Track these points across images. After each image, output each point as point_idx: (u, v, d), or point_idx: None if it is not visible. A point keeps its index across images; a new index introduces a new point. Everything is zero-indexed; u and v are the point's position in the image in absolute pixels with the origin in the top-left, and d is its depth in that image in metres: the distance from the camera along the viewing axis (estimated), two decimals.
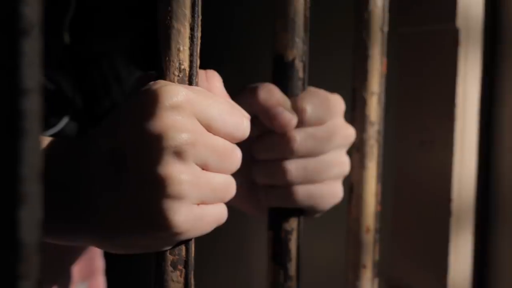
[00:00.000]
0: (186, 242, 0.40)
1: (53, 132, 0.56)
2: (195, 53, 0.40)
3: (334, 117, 0.50)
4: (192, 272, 0.41)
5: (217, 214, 0.41)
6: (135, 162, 0.37)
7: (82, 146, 0.40)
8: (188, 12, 0.39)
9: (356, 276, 0.55)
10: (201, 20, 0.40)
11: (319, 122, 0.49)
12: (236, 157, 0.41)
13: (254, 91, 0.49)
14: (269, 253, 0.52)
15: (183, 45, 0.39)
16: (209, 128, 0.39)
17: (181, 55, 0.39)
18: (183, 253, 0.40)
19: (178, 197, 0.37)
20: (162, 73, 0.39)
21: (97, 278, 0.71)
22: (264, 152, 0.50)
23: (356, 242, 0.54)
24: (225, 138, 0.40)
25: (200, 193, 0.38)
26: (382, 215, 0.56)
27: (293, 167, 0.49)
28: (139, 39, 0.65)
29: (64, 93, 0.58)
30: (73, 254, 0.63)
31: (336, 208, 0.54)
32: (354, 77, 0.54)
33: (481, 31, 0.65)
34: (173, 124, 0.37)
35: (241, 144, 0.42)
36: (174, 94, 0.37)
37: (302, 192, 0.50)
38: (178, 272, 0.40)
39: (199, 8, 0.39)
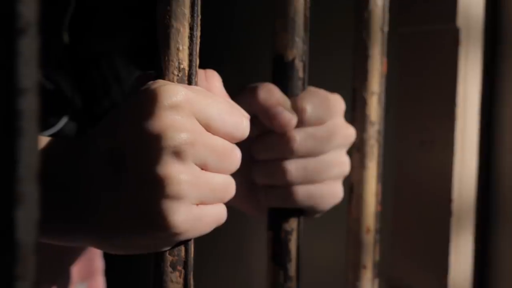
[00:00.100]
0: (186, 242, 0.40)
1: (52, 132, 0.56)
2: (194, 53, 0.39)
3: (334, 117, 0.50)
4: (192, 273, 0.41)
5: (217, 214, 0.40)
6: (134, 162, 0.37)
7: (81, 146, 0.40)
8: (187, 11, 0.39)
9: (356, 277, 0.55)
10: (201, 19, 0.40)
11: (319, 122, 0.49)
12: (235, 157, 0.41)
13: (254, 91, 0.49)
14: (269, 253, 0.52)
15: (183, 44, 0.39)
16: (208, 128, 0.39)
17: (181, 55, 0.39)
18: (183, 253, 0.40)
19: (177, 197, 0.37)
20: (161, 73, 0.39)
21: (97, 278, 0.71)
22: (264, 152, 0.50)
23: (356, 242, 0.54)
24: (224, 138, 0.40)
25: (199, 193, 0.38)
26: (382, 215, 0.56)
27: (293, 167, 0.49)
28: (139, 39, 0.65)
29: (63, 93, 0.57)
30: (72, 255, 0.63)
31: (336, 208, 0.53)
32: (354, 77, 0.54)
33: (481, 31, 0.65)
34: (172, 123, 0.37)
35: (240, 144, 0.42)
36: (173, 93, 0.37)
37: (302, 192, 0.49)
38: (177, 273, 0.40)
39: (198, 8, 0.39)
